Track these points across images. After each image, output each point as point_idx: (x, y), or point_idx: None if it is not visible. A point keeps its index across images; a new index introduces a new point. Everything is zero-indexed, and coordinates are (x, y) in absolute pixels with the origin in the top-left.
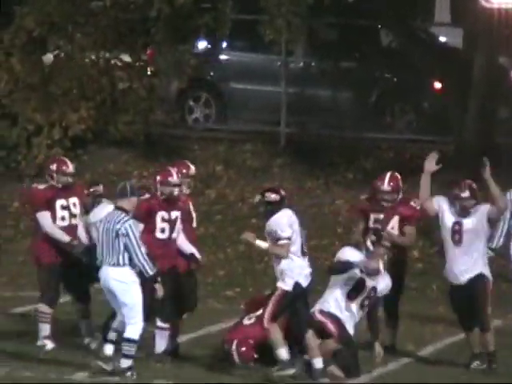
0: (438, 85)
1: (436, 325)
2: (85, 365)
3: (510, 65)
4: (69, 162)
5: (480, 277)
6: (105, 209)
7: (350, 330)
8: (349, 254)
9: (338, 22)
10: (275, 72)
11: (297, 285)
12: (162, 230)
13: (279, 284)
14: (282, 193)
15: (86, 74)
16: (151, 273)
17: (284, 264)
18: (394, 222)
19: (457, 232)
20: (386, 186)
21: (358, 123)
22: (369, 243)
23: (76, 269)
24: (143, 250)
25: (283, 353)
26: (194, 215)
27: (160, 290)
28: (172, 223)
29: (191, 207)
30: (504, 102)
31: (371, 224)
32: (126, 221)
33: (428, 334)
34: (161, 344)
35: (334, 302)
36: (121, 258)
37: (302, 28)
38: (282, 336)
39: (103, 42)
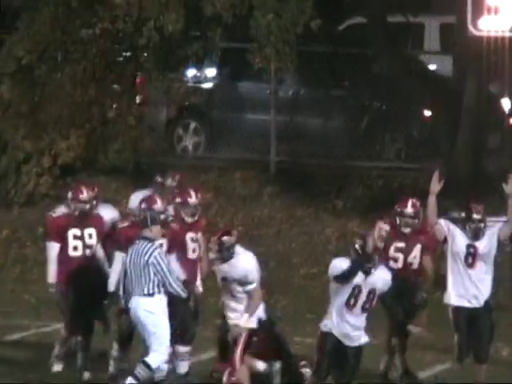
0: (427, 113)
1: (425, 352)
2: None
3: (501, 92)
4: (85, 189)
5: (489, 303)
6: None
7: (359, 337)
8: (339, 264)
9: (328, 49)
10: (265, 100)
11: (260, 320)
12: None
13: (244, 323)
14: (235, 233)
15: (75, 102)
16: (184, 295)
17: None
18: (417, 250)
19: (471, 255)
20: (409, 209)
21: (347, 151)
22: (357, 247)
23: (87, 299)
24: (174, 275)
25: None
26: (190, 245)
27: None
28: None
29: (189, 236)
30: (494, 130)
31: (392, 252)
32: (154, 250)
33: (417, 362)
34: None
35: (336, 313)
36: (151, 287)
37: (291, 56)
38: (248, 377)
39: (92, 70)
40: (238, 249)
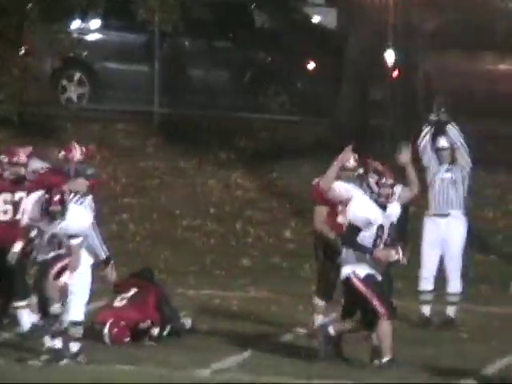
0: (311, 65)
1: (307, 305)
2: None
3: (384, 45)
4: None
5: None
6: None
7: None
8: (364, 213)
9: (212, 1)
10: (149, 51)
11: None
12: (5, 212)
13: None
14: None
15: None
16: (104, 255)
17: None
18: None
19: None
20: (352, 162)
21: (231, 103)
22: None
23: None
24: (99, 233)
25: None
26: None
27: (111, 274)
28: (16, 204)
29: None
30: (377, 83)
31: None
32: (82, 203)
33: (300, 314)
34: (26, 321)
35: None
36: None
37: (175, 7)
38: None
39: None
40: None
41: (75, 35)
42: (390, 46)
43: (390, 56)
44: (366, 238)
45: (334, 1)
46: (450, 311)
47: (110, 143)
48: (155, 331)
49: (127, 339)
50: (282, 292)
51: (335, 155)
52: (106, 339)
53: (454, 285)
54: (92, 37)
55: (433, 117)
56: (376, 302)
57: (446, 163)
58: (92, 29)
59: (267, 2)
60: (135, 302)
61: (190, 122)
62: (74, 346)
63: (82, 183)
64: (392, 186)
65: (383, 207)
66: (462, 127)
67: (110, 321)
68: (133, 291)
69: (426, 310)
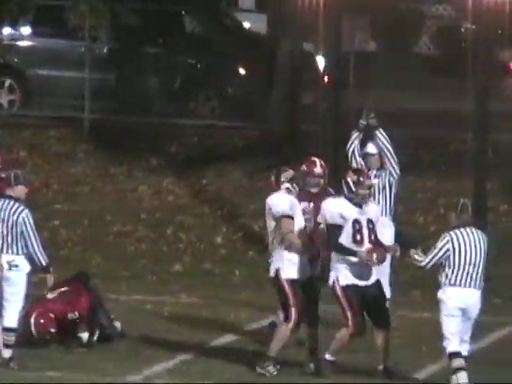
0: (242, 71)
1: (239, 311)
2: None
3: (315, 50)
4: None
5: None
6: None
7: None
8: (337, 208)
9: (142, 6)
10: (80, 57)
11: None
12: None
13: None
14: None
15: None
16: (44, 263)
17: None
18: None
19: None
20: (318, 168)
21: (162, 109)
22: (350, 182)
23: None
24: (39, 239)
25: None
26: None
27: (50, 281)
28: None
29: None
30: (308, 87)
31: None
32: (23, 210)
33: (231, 320)
34: None
35: (344, 260)
36: (19, 246)
37: (105, 13)
38: None
39: None
40: None
41: (6, 42)
42: (321, 50)
43: (320, 61)
44: (345, 234)
45: (265, 6)
46: None
47: (41, 149)
48: (85, 336)
49: (53, 330)
50: (214, 298)
51: (266, 160)
52: (32, 329)
53: None
54: (23, 43)
55: (362, 122)
56: (349, 314)
57: (374, 169)
58: (23, 35)
59: (198, 8)
60: (66, 295)
61: (121, 128)
62: (6, 353)
63: (21, 190)
64: (370, 187)
65: (359, 206)
66: (391, 133)
67: (37, 311)
68: (65, 288)
69: None
